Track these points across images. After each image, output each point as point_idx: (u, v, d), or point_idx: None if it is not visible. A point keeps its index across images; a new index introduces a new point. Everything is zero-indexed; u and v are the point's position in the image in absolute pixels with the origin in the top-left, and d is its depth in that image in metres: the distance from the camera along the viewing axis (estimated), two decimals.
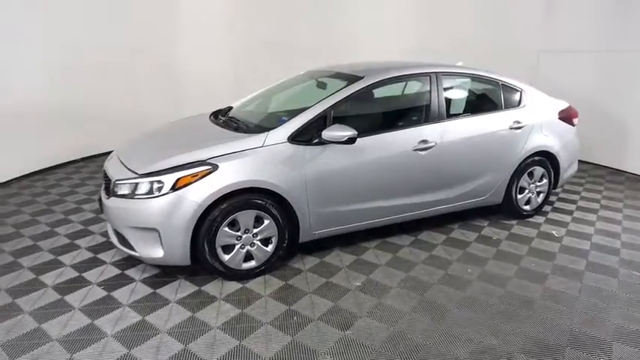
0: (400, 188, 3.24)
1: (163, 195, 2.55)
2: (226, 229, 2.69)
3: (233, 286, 2.79)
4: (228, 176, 2.63)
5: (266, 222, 2.80)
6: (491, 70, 3.84)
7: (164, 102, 6.45)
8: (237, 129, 3.09)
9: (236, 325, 2.38)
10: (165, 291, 2.71)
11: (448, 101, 3.48)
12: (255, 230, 2.79)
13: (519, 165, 3.74)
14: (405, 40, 6.80)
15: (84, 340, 2.24)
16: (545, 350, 2.20)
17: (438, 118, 3.35)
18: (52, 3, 5.15)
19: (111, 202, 2.72)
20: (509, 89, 3.81)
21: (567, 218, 4.01)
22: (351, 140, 2.84)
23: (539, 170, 3.88)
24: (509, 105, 3.77)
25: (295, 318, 2.45)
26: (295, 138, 2.85)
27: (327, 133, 2.83)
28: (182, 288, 2.75)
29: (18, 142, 4.89)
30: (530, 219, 3.97)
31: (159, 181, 2.57)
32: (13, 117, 4.79)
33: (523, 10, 6.37)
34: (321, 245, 3.31)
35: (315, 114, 2.92)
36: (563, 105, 4.06)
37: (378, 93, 3.39)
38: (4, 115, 4.72)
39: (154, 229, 2.57)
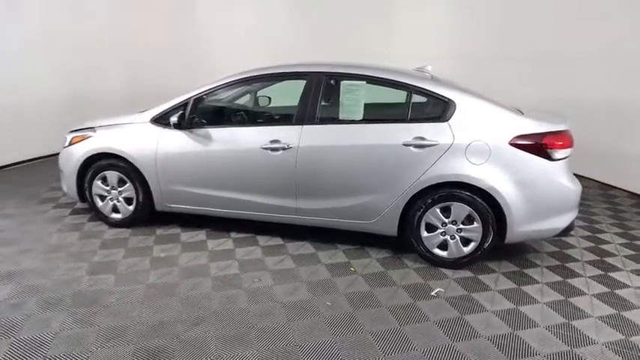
0: (252, 185, 3.21)
1: (65, 147, 3.60)
2: (99, 182, 3.50)
3: (102, 228, 3.59)
4: (98, 141, 3.43)
5: (127, 185, 3.45)
6: (412, 73, 3.13)
7: None
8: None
9: (49, 248, 3.20)
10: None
11: (327, 104, 3.13)
12: (120, 189, 3.49)
13: (420, 194, 2.94)
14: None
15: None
16: None
17: (303, 121, 3.09)
18: None
19: None
20: (427, 98, 3.01)
21: (506, 285, 2.83)
22: (175, 126, 3.14)
23: (459, 208, 2.91)
24: (420, 117, 2.99)
25: (93, 277, 2.97)
26: (157, 120, 3.35)
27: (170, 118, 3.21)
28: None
29: None
30: (445, 269, 3.03)
31: (65, 138, 3.62)
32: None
33: None
34: (203, 222, 3.64)
35: (177, 102, 3.31)
36: (536, 128, 2.85)
37: (252, 89, 3.40)
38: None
39: (61, 170, 3.66)
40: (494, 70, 6.22)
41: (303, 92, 3.16)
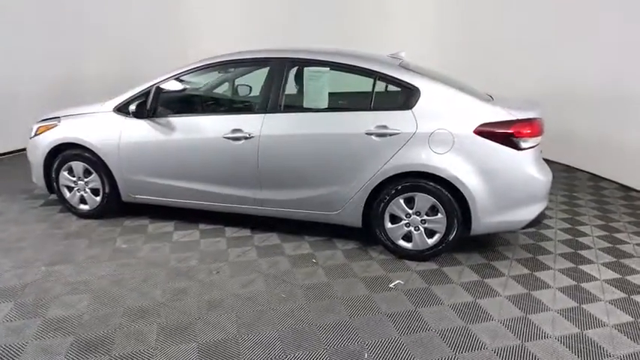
0: (215, 175, 3.16)
1: (32, 138, 3.57)
2: (65, 173, 3.47)
3: (71, 219, 3.56)
4: (61, 131, 3.39)
5: (92, 175, 3.42)
6: (379, 59, 3.04)
7: None
8: None
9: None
10: None
11: (291, 91, 3.06)
12: (86, 180, 3.46)
13: (383, 184, 2.87)
14: None
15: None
16: None
17: (265, 109, 3.02)
18: None
19: None
20: (392, 85, 2.92)
21: (470, 278, 2.76)
22: (134, 114, 3.09)
23: (423, 198, 2.83)
24: (384, 105, 2.91)
25: (49, 268, 2.95)
26: (120, 109, 3.30)
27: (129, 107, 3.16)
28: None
29: None
30: (410, 261, 2.96)
31: (32, 128, 3.59)
32: None
33: None
34: (174, 214, 3.59)
35: (139, 90, 3.25)
36: (502, 116, 2.74)
37: (214, 77, 3.33)
38: None
39: (30, 161, 3.63)
40: (489, 59, 6.14)
41: (265, 79, 3.09)
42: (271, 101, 3.02)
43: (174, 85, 3.26)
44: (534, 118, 2.79)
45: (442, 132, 2.74)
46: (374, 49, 3.54)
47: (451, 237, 2.86)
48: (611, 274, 2.85)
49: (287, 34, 6.83)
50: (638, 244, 3.34)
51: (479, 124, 2.72)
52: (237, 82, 3.86)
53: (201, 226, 3.47)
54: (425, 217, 2.87)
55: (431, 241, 2.91)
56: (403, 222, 2.92)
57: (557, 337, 2.16)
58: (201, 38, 7.52)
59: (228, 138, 3.03)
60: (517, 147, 2.71)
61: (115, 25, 6.56)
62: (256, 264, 2.89)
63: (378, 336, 2.15)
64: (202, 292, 2.52)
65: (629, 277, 2.82)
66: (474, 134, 2.72)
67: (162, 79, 3.22)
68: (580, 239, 3.42)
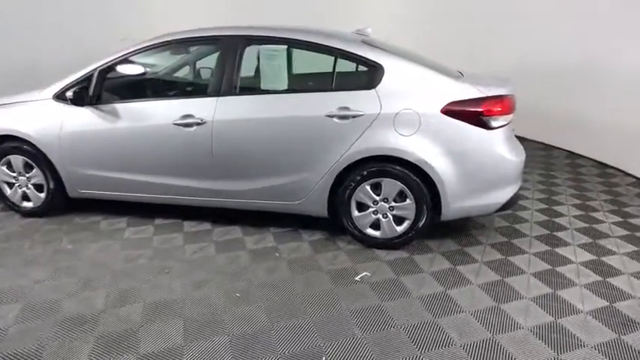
0: (166, 166, 2.90)
1: None
2: (4, 168, 3.16)
3: (14, 218, 3.27)
4: None
5: (34, 170, 3.12)
6: (340, 36, 2.80)
7: None
8: None
9: None
10: None
11: (246, 72, 2.81)
12: (27, 175, 3.16)
13: (348, 170, 2.67)
14: None
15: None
16: None
17: (218, 92, 2.76)
18: None
19: None
20: (355, 63, 2.70)
21: (441, 266, 2.60)
22: (72, 101, 2.80)
23: (390, 184, 2.64)
24: (347, 85, 2.68)
25: None
26: (60, 96, 2.99)
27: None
28: None
29: None
30: (379, 250, 2.79)
31: None
32: None
33: None
34: (128, 209, 3.32)
35: (81, 75, 2.95)
36: (471, 93, 2.55)
37: (163, 58, 3.05)
38: None
39: None
40: (464, 37, 5.97)
41: (217, 59, 2.82)
42: (225, 83, 2.76)
43: (119, 69, 2.97)
44: (505, 95, 2.61)
45: (408, 112, 2.54)
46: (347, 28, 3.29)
47: (421, 224, 2.70)
48: (588, 256, 2.74)
49: (255, 14, 6.48)
50: (613, 223, 3.25)
51: (446, 102, 2.53)
52: (199, 64, 3.57)
53: (158, 220, 3.22)
54: (393, 204, 2.70)
55: (400, 229, 2.74)
56: (370, 209, 2.74)
57: (529, 328, 2.03)
58: (154, 20, 7.05)
59: (179, 124, 2.77)
60: (487, 126, 2.53)
61: (71, 16, 6.05)
62: (213, 261, 2.67)
63: (339, 336, 1.98)
64: (147, 295, 2.29)
65: (604, 259, 2.71)
66: (442, 114, 2.53)
67: (104, 61, 2.92)
68: (556, 220, 3.31)
